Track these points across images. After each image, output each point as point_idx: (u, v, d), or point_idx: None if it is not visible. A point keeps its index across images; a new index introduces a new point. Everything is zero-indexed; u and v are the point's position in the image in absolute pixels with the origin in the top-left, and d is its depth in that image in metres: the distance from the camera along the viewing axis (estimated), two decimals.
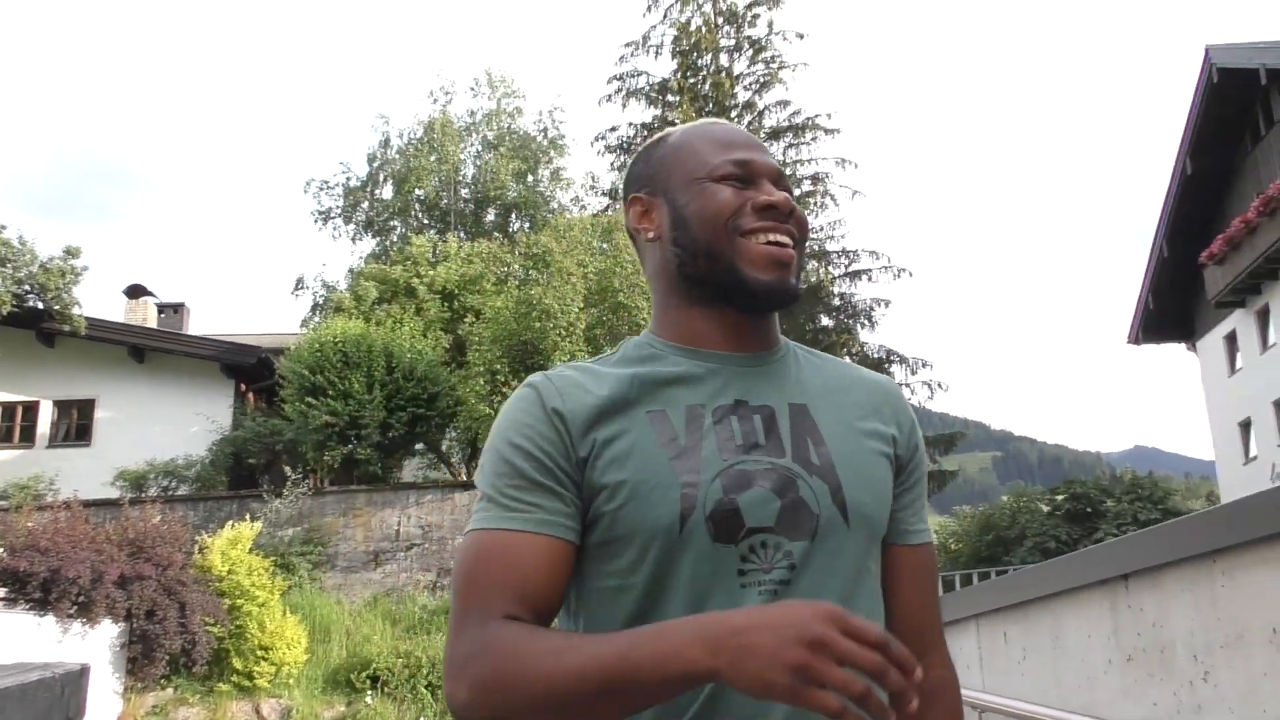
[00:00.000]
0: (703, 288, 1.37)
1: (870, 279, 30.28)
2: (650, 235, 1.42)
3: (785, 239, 1.35)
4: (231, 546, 14.41)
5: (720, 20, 32.12)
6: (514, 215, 32.86)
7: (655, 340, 1.41)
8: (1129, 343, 31.24)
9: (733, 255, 1.33)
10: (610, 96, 32.39)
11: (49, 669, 5.73)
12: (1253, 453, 27.53)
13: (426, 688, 14.09)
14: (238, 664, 13.74)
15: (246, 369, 21.72)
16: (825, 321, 30.03)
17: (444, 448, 21.05)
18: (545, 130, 34.00)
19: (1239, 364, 28.67)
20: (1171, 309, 30.29)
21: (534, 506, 1.27)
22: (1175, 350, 32.09)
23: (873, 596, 1.35)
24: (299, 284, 32.37)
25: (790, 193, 1.41)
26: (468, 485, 18.35)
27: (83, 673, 5.99)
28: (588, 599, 1.31)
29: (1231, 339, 28.87)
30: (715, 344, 1.37)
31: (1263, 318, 27.06)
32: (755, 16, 31.89)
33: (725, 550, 1.24)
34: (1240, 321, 28.10)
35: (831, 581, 1.28)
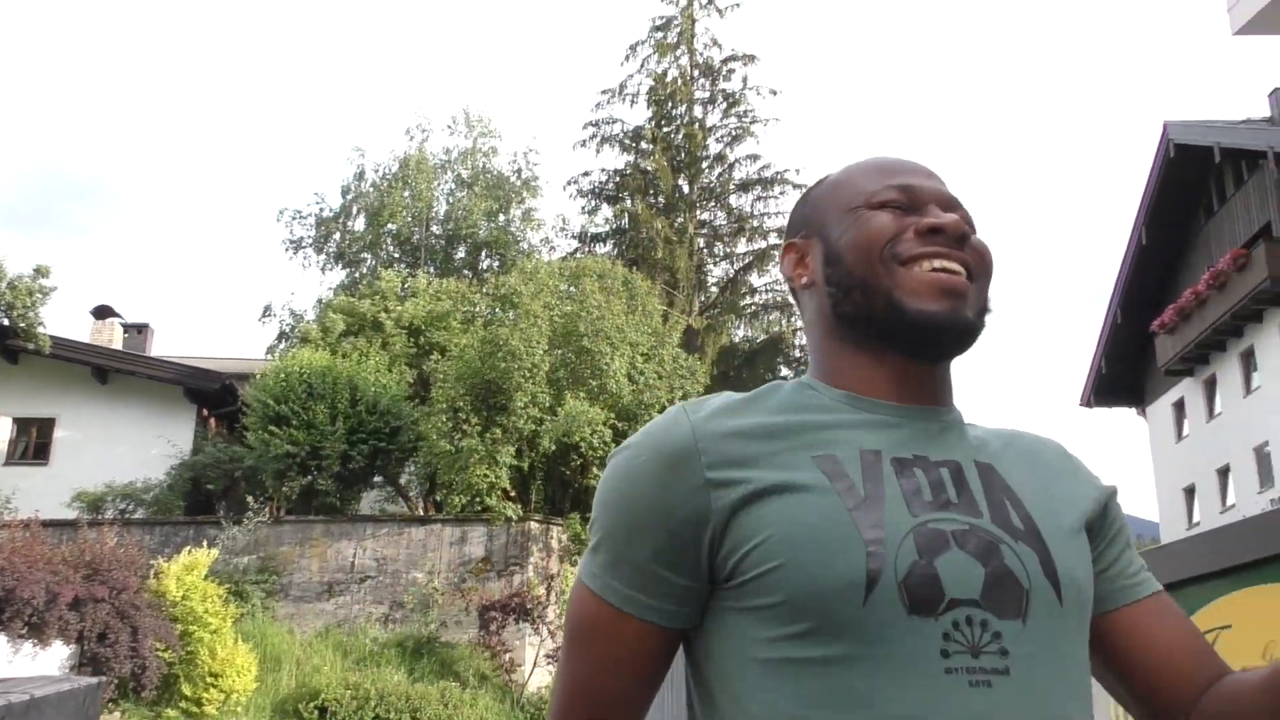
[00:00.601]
0: (860, 328, 1.17)
1: None
2: (804, 281, 1.24)
3: (956, 266, 1.14)
4: (187, 572, 14.54)
5: (696, 73, 32.79)
6: (484, 253, 33.21)
7: (815, 383, 1.20)
8: (1081, 405, 31.93)
9: (891, 286, 1.14)
10: (585, 142, 33.00)
11: (72, 681, 6.22)
12: (1195, 519, 28.14)
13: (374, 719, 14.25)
14: (187, 690, 13.85)
15: (209, 394, 21.85)
16: (785, 372, 30.60)
17: (403, 481, 21.25)
18: (519, 171, 34.45)
19: (1186, 431, 29.34)
20: (1123, 374, 30.99)
21: (641, 585, 1.11)
22: (1126, 415, 32.80)
23: (1088, 693, 1.12)
24: (266, 311, 32.57)
25: (969, 221, 1.20)
26: (425, 520, 18.56)
27: (99, 686, 6.52)
28: (751, 672, 1.06)
29: (1180, 406, 29.56)
30: (881, 391, 1.16)
31: (1210, 387, 27.78)
32: (731, 71, 32.64)
33: (924, 625, 1.01)
34: (1188, 390, 28.80)
35: (1054, 674, 1.05)
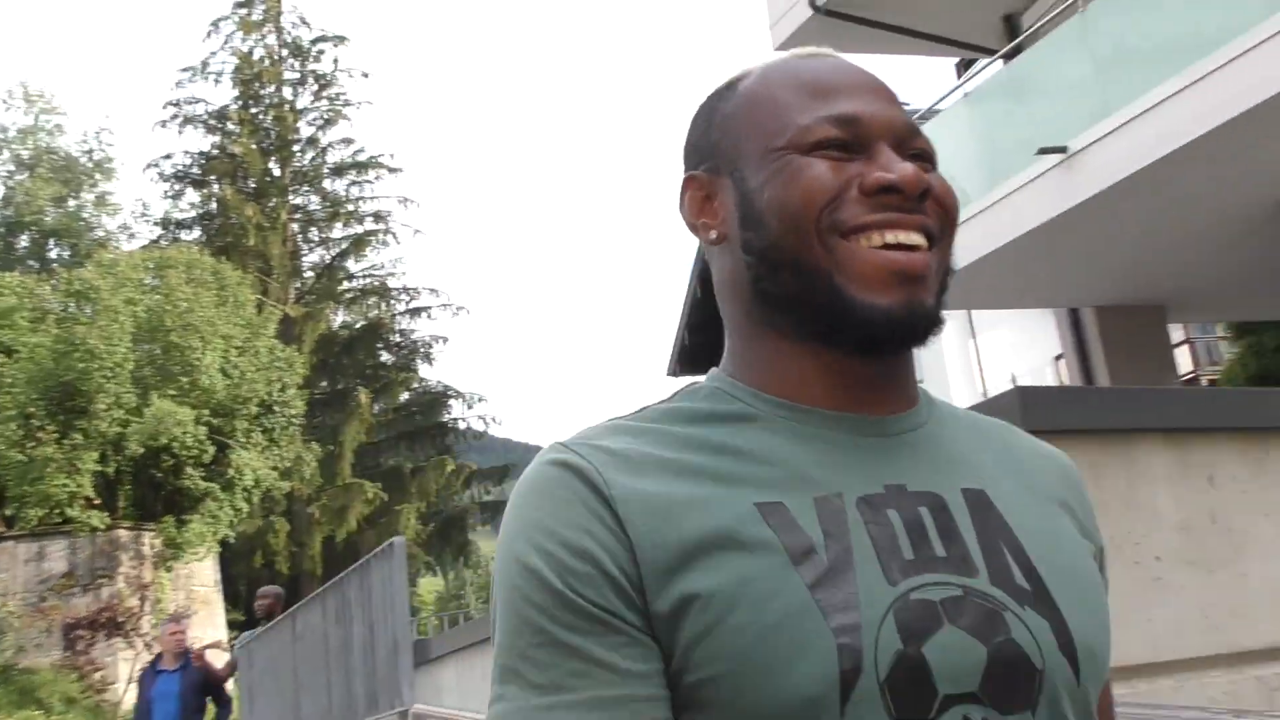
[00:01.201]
0: (792, 316, 0.88)
1: (430, 316, 31.35)
2: (713, 235, 0.92)
3: (915, 237, 0.86)
4: None
5: (285, 52, 31.92)
6: (52, 242, 30.65)
7: (738, 388, 0.90)
8: (669, 375, 34.30)
9: (831, 268, 0.85)
10: (165, 122, 31.30)
11: None
12: None
13: None
14: None
15: None
16: (386, 358, 30.75)
17: None
18: (90, 151, 31.97)
19: None
20: (704, 344, 33.50)
21: (601, 669, 0.76)
22: None
23: None
24: None
25: (929, 156, 0.90)
26: None
27: None
28: None
29: None
30: (823, 398, 0.88)
31: None
32: (321, 52, 32.05)
33: None
34: None
35: None
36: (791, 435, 0.85)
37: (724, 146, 0.92)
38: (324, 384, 28.97)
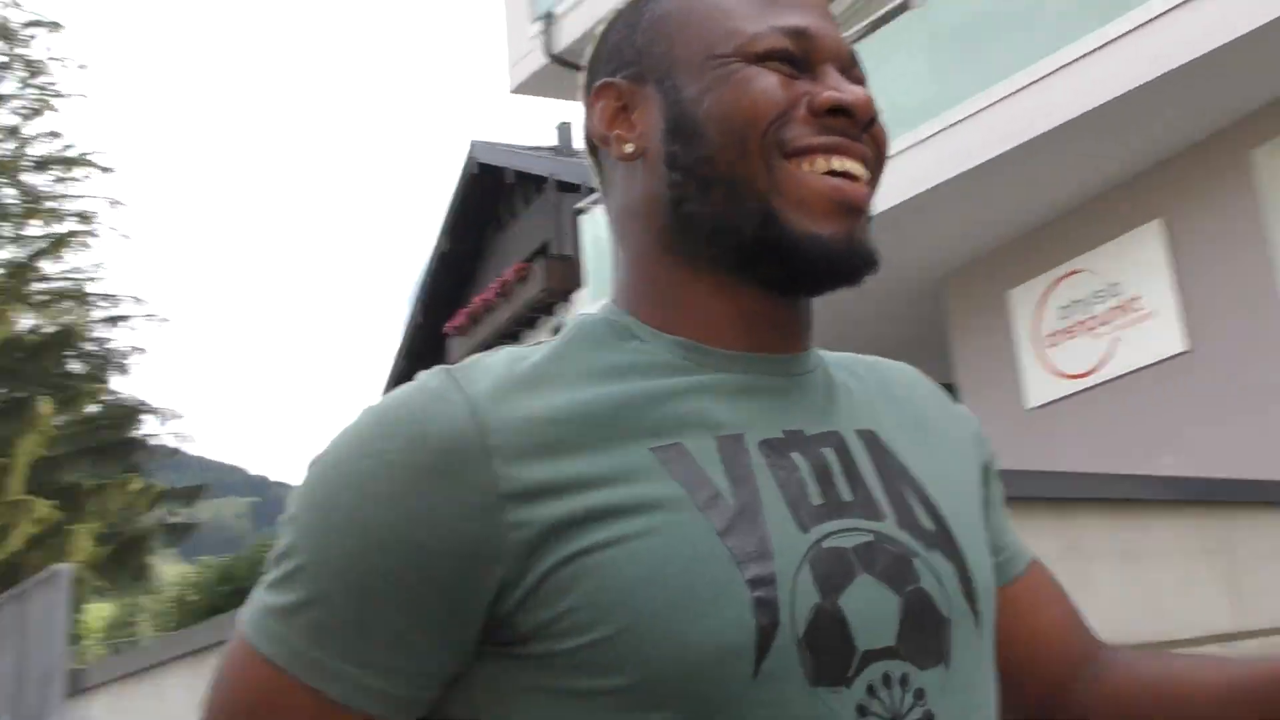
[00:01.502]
0: (715, 244, 0.80)
1: (130, 326, 29.98)
2: (628, 149, 0.83)
3: (859, 168, 0.79)
4: None
5: None
6: None
7: (633, 322, 0.81)
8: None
9: (770, 190, 0.77)
10: None
11: None
12: None
13: None
14: None
15: None
16: (75, 367, 29.01)
17: None
18: None
19: None
20: (420, 370, 33.40)
21: (345, 642, 0.68)
22: None
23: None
24: None
25: (866, 88, 0.82)
26: None
27: None
28: None
29: None
30: (727, 337, 0.81)
31: None
32: (32, 37, 30.11)
33: (831, 699, 0.68)
34: None
35: (976, 716, 0.76)
36: (690, 374, 0.78)
37: (653, 52, 0.83)
38: (2, 391, 26.85)
